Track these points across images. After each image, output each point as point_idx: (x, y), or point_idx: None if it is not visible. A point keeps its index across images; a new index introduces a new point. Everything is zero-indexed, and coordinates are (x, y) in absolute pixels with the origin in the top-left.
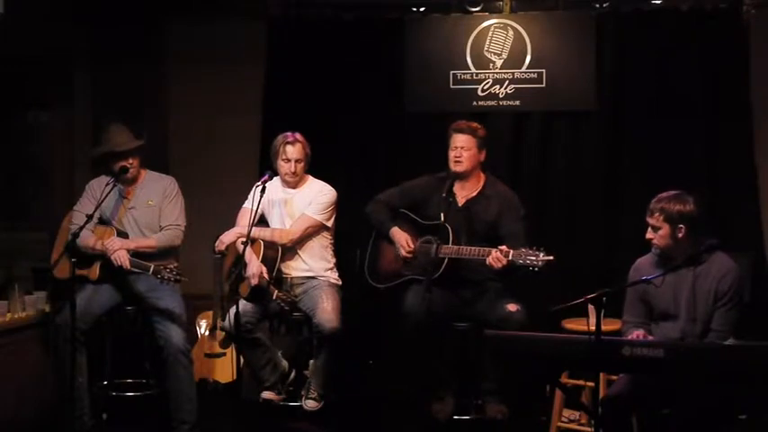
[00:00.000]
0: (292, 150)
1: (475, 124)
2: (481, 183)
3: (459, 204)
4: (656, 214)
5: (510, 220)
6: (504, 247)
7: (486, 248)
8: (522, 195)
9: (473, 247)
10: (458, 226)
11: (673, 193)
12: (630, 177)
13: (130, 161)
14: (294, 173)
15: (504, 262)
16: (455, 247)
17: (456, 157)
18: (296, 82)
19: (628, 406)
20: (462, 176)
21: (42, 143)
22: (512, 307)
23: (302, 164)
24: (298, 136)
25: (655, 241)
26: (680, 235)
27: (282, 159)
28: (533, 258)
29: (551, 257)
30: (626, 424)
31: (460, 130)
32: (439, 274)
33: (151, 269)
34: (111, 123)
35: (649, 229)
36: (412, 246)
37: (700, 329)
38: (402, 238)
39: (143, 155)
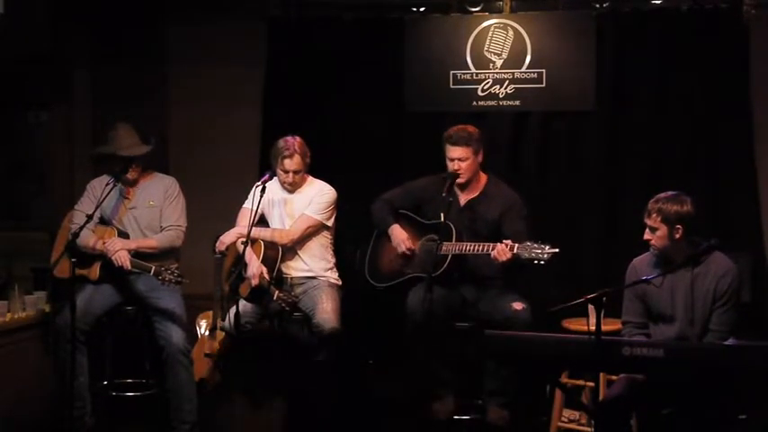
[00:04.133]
0: (290, 163)
1: (468, 129)
2: (482, 183)
3: (461, 204)
4: (654, 215)
5: (512, 220)
6: (508, 241)
7: (491, 243)
8: (522, 195)
9: (478, 243)
10: (460, 226)
11: (670, 193)
12: (630, 177)
13: (133, 165)
14: (292, 183)
15: (509, 255)
16: (458, 243)
17: (456, 169)
18: (296, 82)
19: (627, 407)
20: (464, 184)
21: (42, 143)
22: (517, 306)
23: (300, 174)
24: (296, 146)
25: (652, 242)
26: (677, 236)
27: (281, 169)
28: (539, 252)
29: (557, 249)
30: (625, 425)
31: (455, 142)
32: (441, 271)
33: (152, 270)
34: (119, 122)
35: (647, 230)
36: (410, 244)
37: (698, 330)
38: (400, 235)
39: (145, 159)
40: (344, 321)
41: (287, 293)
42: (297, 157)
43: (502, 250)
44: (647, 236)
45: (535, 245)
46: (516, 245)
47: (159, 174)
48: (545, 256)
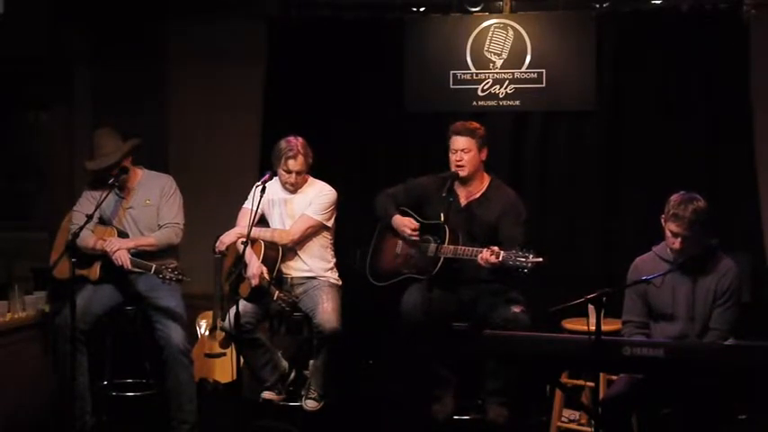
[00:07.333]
0: (294, 163)
1: (473, 124)
2: (485, 184)
3: (461, 205)
4: (696, 227)
5: (509, 225)
6: (495, 248)
7: (480, 248)
8: (522, 195)
9: (468, 248)
10: (458, 227)
11: (694, 197)
12: (630, 177)
13: (122, 167)
14: (294, 183)
15: (494, 260)
16: (451, 246)
17: (457, 161)
18: (296, 82)
19: (628, 406)
20: (465, 179)
21: (42, 143)
22: (516, 308)
23: (302, 174)
24: (300, 146)
25: (682, 247)
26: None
27: (283, 169)
28: (523, 260)
29: (541, 259)
30: (626, 424)
31: (459, 133)
32: (434, 273)
33: (153, 269)
34: (97, 131)
35: (680, 239)
36: (415, 224)
37: (699, 329)
38: (404, 221)
39: (135, 154)
40: (344, 321)
41: (287, 293)
42: (300, 158)
43: (485, 257)
44: (677, 245)
45: (520, 253)
46: (502, 252)
47: (155, 172)
48: (529, 264)
